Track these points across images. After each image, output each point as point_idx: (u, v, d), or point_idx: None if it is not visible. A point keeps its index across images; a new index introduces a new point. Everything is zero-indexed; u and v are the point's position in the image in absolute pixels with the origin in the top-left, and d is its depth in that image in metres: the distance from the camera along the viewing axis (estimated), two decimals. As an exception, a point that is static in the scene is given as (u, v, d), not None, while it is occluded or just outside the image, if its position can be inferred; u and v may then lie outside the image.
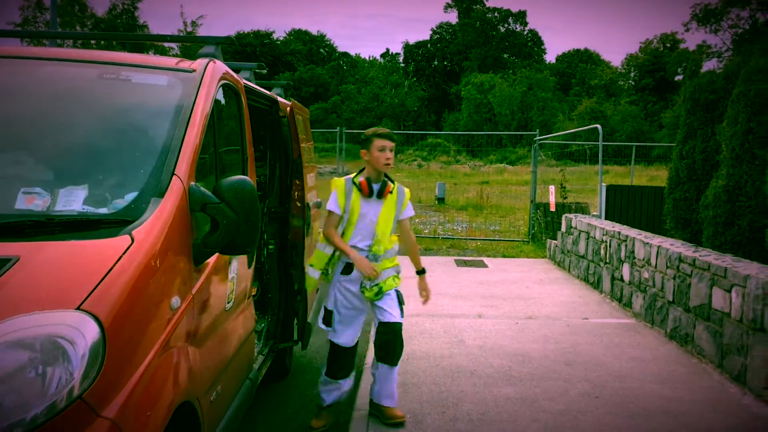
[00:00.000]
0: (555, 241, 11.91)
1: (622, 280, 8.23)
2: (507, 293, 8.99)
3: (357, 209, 4.44)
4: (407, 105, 60.81)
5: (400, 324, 4.56)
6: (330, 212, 4.47)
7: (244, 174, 3.93)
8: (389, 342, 4.51)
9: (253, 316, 4.19)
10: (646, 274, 7.45)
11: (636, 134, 46.84)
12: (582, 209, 13.84)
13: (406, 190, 4.62)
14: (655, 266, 7.18)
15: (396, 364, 4.58)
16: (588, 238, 9.75)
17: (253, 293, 4.32)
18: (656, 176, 25.55)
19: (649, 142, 39.08)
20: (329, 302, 4.59)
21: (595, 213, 12.49)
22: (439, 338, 6.70)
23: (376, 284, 4.46)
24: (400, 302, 4.61)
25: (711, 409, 4.91)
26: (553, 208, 13.70)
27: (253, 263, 4.19)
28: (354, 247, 4.44)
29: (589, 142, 23.65)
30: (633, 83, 62.97)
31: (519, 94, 56.04)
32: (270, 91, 5.42)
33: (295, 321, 5.37)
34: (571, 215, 11.17)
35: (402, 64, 73.14)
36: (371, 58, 75.12)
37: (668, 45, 62.71)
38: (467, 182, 28.58)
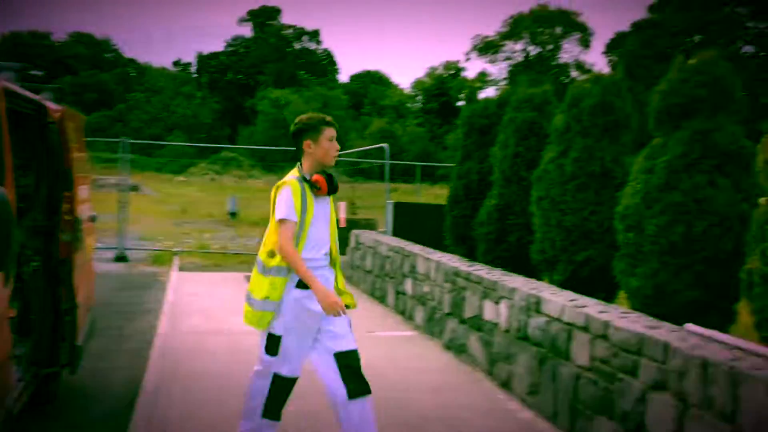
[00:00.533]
0: (344, 257, 12.15)
1: (405, 294, 8.56)
2: (295, 309, 8.98)
3: (311, 212, 3.80)
4: (200, 117, 59.26)
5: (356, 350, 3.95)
6: (285, 222, 3.72)
7: (1, 184, 3.57)
8: (345, 374, 3.86)
9: (9, 340, 3.80)
10: (426, 288, 7.81)
11: (423, 154, 49.25)
12: (370, 225, 14.24)
13: None
14: (435, 280, 7.55)
15: (355, 396, 3.87)
16: (374, 254, 10.04)
17: (11, 315, 3.92)
18: (441, 194, 26.85)
19: (434, 162, 41.21)
20: (276, 327, 3.86)
21: (382, 229, 12.91)
22: (224, 356, 6.53)
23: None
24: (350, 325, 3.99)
25: (481, 414, 5.21)
26: (343, 224, 13.94)
27: (11, 282, 3.81)
28: (310, 259, 3.79)
29: (378, 160, 24.49)
30: (421, 105, 66.26)
31: (314, 111, 56.69)
32: (39, 94, 4.99)
33: (65, 344, 4.96)
34: (359, 231, 11.46)
35: (195, 75, 71.23)
36: (161, 67, 72.38)
37: (452, 72, 66.81)
38: (261, 197, 28.35)
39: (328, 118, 3.92)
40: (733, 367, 3.23)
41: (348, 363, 3.84)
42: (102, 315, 6.88)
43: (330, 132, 3.86)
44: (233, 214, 21.98)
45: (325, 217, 3.92)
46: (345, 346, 3.86)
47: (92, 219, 5.86)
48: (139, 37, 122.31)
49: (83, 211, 5.35)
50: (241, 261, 13.93)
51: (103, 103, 58.60)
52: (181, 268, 12.52)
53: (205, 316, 8.30)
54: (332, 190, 3.87)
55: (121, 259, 13.53)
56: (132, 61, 72.66)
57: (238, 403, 5.20)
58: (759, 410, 3.05)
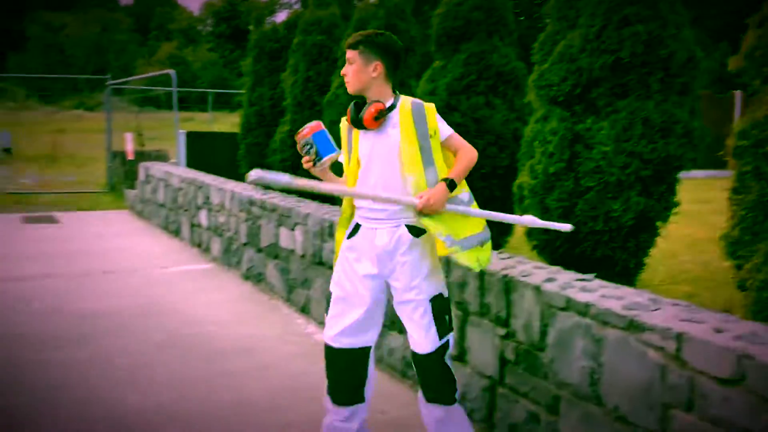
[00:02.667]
0: (134, 191, 11.55)
1: (200, 226, 8.33)
2: (82, 249, 8.45)
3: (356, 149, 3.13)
4: (-41, 42, 52.80)
5: (426, 356, 3.02)
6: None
7: None
8: (419, 376, 3.13)
9: None
10: (222, 219, 7.64)
11: (218, 81, 47.65)
12: (162, 157, 13.62)
13: (426, 104, 3.03)
14: (230, 210, 7.40)
15: (434, 401, 3.06)
16: (166, 186, 9.63)
17: None
18: (238, 123, 26.37)
19: (230, 89, 40.06)
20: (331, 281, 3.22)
21: (174, 161, 12.39)
22: (1, 305, 6.01)
23: (456, 243, 2.98)
24: (436, 317, 3.01)
25: (280, 340, 5.25)
26: (131, 157, 13.22)
27: None
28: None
29: (168, 88, 23.33)
30: (211, 29, 63.66)
31: (93, 35, 52.59)
32: None
33: None
34: (149, 163, 10.91)
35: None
36: None
37: (243, -6, 64.64)
38: (40, 131, 26.05)
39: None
40: (506, 275, 3.48)
41: (414, 362, 3.15)
42: None
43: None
44: (7, 150, 20.03)
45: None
46: (412, 346, 3.12)
47: None
48: None
49: None
50: (16, 201, 12.79)
51: None
52: (-54, 213, 11.27)
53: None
54: (353, 121, 3.08)
55: None
56: None
57: (13, 353, 4.85)
58: (528, 312, 3.32)
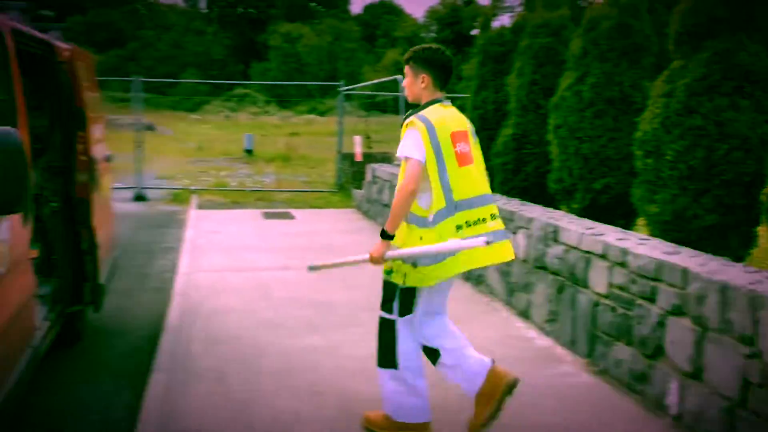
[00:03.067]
0: (361, 191, 12.15)
1: (422, 226, 8.56)
2: (314, 244, 9.05)
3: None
4: (212, 53, 58.67)
5: (381, 318, 3.79)
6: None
7: (14, 125, 3.56)
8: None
9: (32, 280, 3.86)
10: (443, 220, 7.80)
11: (438, 85, 48.60)
12: (387, 159, 14.18)
13: (406, 122, 3.54)
14: (452, 212, 7.53)
15: (379, 365, 3.79)
16: (391, 187, 10.02)
17: (33, 255, 3.97)
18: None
19: (450, 93, 40.67)
20: None
21: (398, 162, 12.84)
22: (245, 292, 6.61)
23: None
24: (387, 291, 3.76)
25: (500, 343, 5.26)
26: (359, 158, 13.91)
27: (30, 223, 3.84)
28: None
29: (393, 93, 24.23)
30: (435, 35, 65.08)
31: (326, 44, 56.00)
32: (46, 33, 4.93)
33: (87, 283, 5.03)
34: (376, 165, 11.42)
35: (205, 11, 70.18)
36: (171, 3, 71.36)
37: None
38: (277, 133, 28.33)
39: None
40: (753, 290, 3.21)
41: None
42: (123, 254, 6.97)
43: None
44: (249, 152, 21.96)
45: None
46: None
47: (108, 159, 5.87)
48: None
49: (98, 150, 5.35)
50: (258, 198, 13.99)
51: (115, 42, 58.08)
52: (200, 207, 12.60)
53: (225, 253, 8.38)
54: None
55: (139, 198, 13.62)
56: (141, -3, 71.57)
57: (257, 338, 5.31)
58: (778, 333, 3.05)
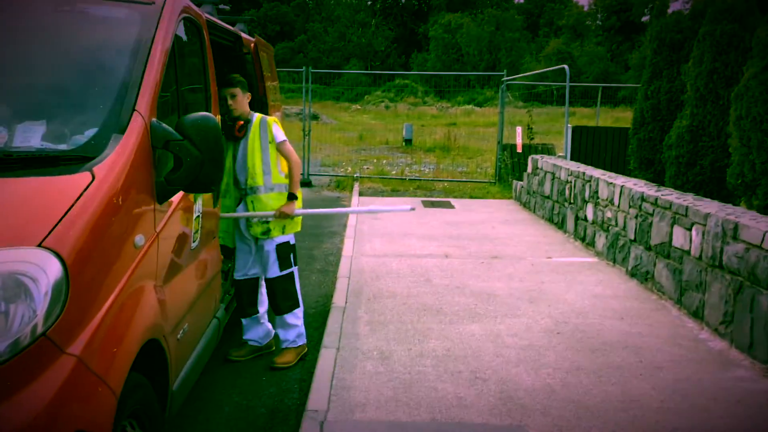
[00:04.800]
0: (521, 182, 12.00)
1: (585, 219, 8.35)
2: (473, 233, 9.08)
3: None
4: (374, 45, 59.97)
5: (275, 279, 4.73)
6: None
7: (207, 111, 3.85)
8: (270, 296, 4.81)
9: (219, 256, 4.18)
10: (609, 214, 7.57)
11: (602, 75, 46.92)
12: (548, 150, 13.91)
13: (269, 118, 4.72)
14: (618, 206, 7.29)
15: (282, 313, 4.76)
16: (553, 179, 9.84)
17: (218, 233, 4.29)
18: (621, 118, 25.70)
19: (615, 83, 39.15)
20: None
21: (560, 154, 12.58)
22: (406, 278, 6.76)
23: (266, 221, 4.68)
24: (280, 256, 4.71)
25: (669, 343, 5.05)
26: (519, 150, 13.74)
27: (219, 202, 4.15)
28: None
29: (556, 83, 23.66)
30: (600, 23, 62.76)
31: (487, 34, 55.57)
32: (233, 26, 5.28)
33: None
34: (537, 156, 11.24)
35: (369, 2, 71.77)
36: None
37: (636, -15, 62.41)
38: (435, 124, 28.50)
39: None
40: None
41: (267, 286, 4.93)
42: (293, 236, 7.33)
43: None
44: (408, 141, 22.27)
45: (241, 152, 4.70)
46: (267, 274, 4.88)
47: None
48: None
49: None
50: (418, 186, 14.19)
51: (285, 35, 60.83)
52: (361, 193, 12.97)
53: (387, 239, 8.59)
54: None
55: (306, 184, 14.22)
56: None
57: (418, 322, 5.42)
58: None
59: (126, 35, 3.15)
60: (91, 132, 2.72)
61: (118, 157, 2.61)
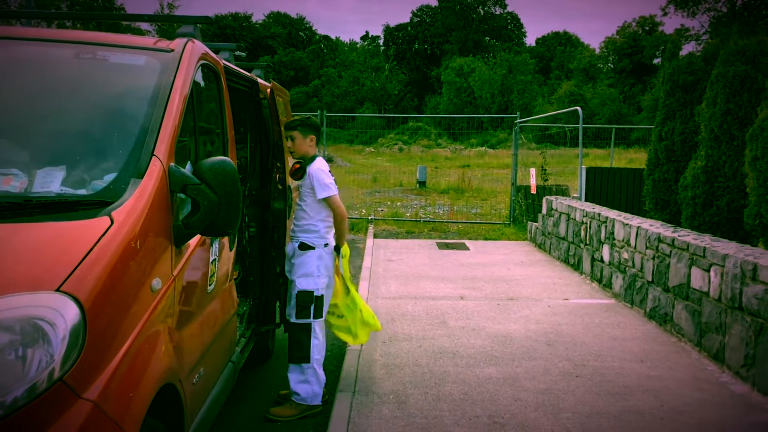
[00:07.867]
0: (536, 224, 11.98)
1: (602, 261, 8.30)
2: (488, 275, 9.03)
3: None
4: (388, 89, 60.63)
5: (292, 324, 4.71)
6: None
7: (224, 156, 3.89)
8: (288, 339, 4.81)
9: (235, 299, 4.18)
10: (625, 255, 7.51)
11: (615, 117, 47.07)
12: (562, 191, 13.90)
13: (312, 167, 4.76)
14: (635, 247, 7.24)
15: (291, 362, 4.70)
16: (568, 220, 9.81)
17: (234, 276, 4.29)
18: (635, 159, 25.72)
19: (627, 124, 39.23)
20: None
21: (575, 195, 12.56)
22: (422, 320, 6.72)
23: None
24: (300, 302, 4.65)
25: (690, 386, 4.97)
26: (534, 191, 13.74)
27: (235, 246, 4.16)
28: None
29: (569, 125, 23.76)
30: (611, 66, 63.17)
31: (499, 77, 56.08)
32: (250, 72, 5.36)
33: (277, 304, 5.35)
34: (552, 197, 11.22)
35: (382, 48, 72.84)
36: (351, 42, 74.75)
37: (646, 28, 62.91)
38: (448, 166, 28.62)
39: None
40: None
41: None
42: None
43: None
44: (422, 183, 22.34)
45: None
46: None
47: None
48: (330, 15, 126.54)
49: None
50: (432, 228, 14.19)
51: (299, 80, 61.68)
52: (376, 236, 12.98)
53: (402, 281, 8.56)
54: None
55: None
56: (325, 37, 75.56)
57: (435, 365, 5.37)
58: None
59: (146, 82, 3.20)
60: (110, 177, 2.75)
61: (137, 201, 2.64)
